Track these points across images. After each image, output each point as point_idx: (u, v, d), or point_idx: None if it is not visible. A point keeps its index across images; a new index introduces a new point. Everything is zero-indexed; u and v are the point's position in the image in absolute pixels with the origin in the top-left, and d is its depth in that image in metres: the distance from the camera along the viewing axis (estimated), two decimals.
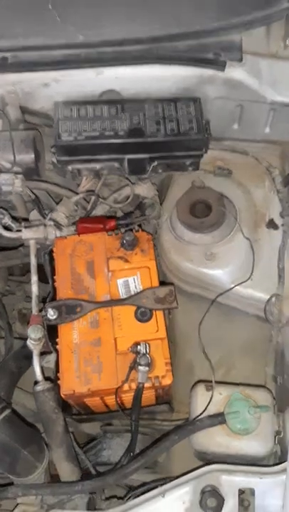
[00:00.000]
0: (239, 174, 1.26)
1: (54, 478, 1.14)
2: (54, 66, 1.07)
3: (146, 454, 1.00)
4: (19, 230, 1.19)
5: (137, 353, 1.00)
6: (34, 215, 1.24)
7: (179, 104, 1.10)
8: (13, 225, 1.18)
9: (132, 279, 1.11)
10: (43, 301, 1.18)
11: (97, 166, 1.12)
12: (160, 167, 1.14)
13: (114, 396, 1.02)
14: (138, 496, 1.00)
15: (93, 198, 1.23)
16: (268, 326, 1.17)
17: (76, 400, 1.07)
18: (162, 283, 1.13)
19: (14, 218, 1.21)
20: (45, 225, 1.19)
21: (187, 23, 1.09)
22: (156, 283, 1.10)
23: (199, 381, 1.13)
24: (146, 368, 0.98)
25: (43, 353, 1.11)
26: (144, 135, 1.07)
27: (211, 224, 1.17)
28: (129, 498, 1.05)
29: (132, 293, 1.08)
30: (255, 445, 1.03)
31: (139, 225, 1.22)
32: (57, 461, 1.09)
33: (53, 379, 1.10)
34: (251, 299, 1.15)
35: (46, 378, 1.09)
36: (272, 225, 1.20)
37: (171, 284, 1.13)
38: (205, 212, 1.19)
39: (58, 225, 1.18)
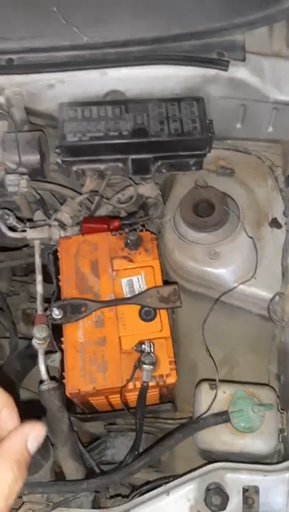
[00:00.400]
0: (242, 173, 1.27)
1: (58, 476, 1.15)
2: (59, 67, 1.08)
3: (152, 452, 1.01)
4: (24, 231, 1.20)
5: (142, 351, 1.00)
6: (38, 215, 1.25)
7: (183, 104, 1.11)
8: (18, 226, 1.19)
9: (136, 278, 1.11)
10: (46, 300, 1.19)
11: (102, 166, 1.13)
12: (164, 167, 1.15)
13: (118, 395, 1.03)
14: (143, 494, 1.01)
15: (97, 198, 1.23)
16: (271, 325, 1.18)
17: (81, 399, 1.08)
18: (165, 282, 1.14)
19: (19, 219, 1.22)
20: (49, 225, 1.20)
21: (190, 24, 1.09)
22: (160, 282, 1.11)
23: (203, 380, 1.14)
24: (151, 367, 0.99)
25: (47, 352, 1.11)
26: (148, 135, 1.08)
27: (215, 223, 1.17)
28: (134, 496, 1.05)
29: (136, 292, 1.09)
30: (259, 443, 1.04)
31: (143, 225, 1.22)
32: (62, 460, 1.10)
33: (57, 378, 1.11)
34: (255, 298, 1.15)
35: (51, 377, 1.10)
36: (275, 223, 1.20)
37: (175, 283, 1.13)
38: (208, 212, 1.19)
39: (62, 225, 1.19)
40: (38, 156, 1.12)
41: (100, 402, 1.12)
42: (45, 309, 1.12)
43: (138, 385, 1.01)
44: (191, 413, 1.31)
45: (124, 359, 1.03)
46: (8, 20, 1.12)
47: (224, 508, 0.92)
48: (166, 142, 1.09)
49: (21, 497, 1.04)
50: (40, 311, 1.13)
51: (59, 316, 1.06)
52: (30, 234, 1.20)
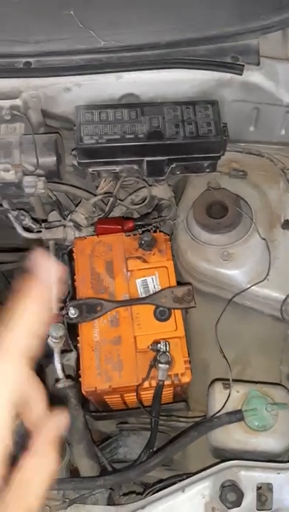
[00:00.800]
0: (254, 175, 1.28)
1: (72, 474, 1.17)
2: (76, 71, 1.09)
3: (167, 450, 1.03)
4: (39, 231, 1.21)
5: (157, 351, 1.02)
6: (53, 216, 1.27)
7: (198, 107, 1.12)
8: (33, 226, 1.21)
9: (151, 278, 1.13)
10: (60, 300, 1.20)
11: (117, 168, 1.15)
12: (178, 169, 1.16)
13: (133, 393, 1.05)
14: (157, 491, 1.03)
15: (111, 199, 1.25)
16: (283, 326, 1.19)
17: (96, 397, 1.09)
18: (178, 283, 1.16)
19: (34, 219, 1.24)
20: (64, 226, 1.22)
21: (205, 28, 1.11)
22: (174, 282, 1.12)
23: (216, 379, 1.15)
24: (167, 366, 1.00)
25: (63, 351, 1.13)
26: (164, 138, 1.09)
27: (228, 225, 1.19)
28: (148, 493, 1.07)
29: (151, 292, 1.11)
30: (272, 442, 1.05)
31: (157, 227, 1.24)
32: (77, 458, 1.12)
33: (73, 377, 1.13)
34: (267, 299, 1.16)
35: (67, 376, 1.11)
36: (287, 225, 1.21)
37: (189, 283, 1.15)
38: (221, 213, 1.21)
39: (77, 226, 1.21)
40: (55, 158, 1.14)
41: (115, 401, 1.14)
42: (61, 308, 1.14)
43: (153, 383, 1.03)
44: (202, 412, 1.32)
45: (139, 358, 1.05)
46: (25, 23, 1.14)
47: (239, 505, 0.94)
48: (182, 145, 1.10)
49: None
50: (55, 310, 1.15)
51: (75, 315, 1.08)
52: (46, 234, 1.22)
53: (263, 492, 0.99)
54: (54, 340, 1.10)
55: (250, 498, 0.96)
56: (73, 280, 1.15)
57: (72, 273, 1.17)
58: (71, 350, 1.15)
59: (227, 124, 1.15)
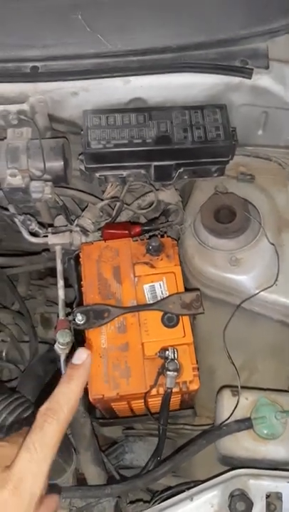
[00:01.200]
0: (262, 179, 1.27)
1: (79, 482, 1.16)
2: (83, 75, 1.08)
3: (175, 458, 1.01)
4: (45, 236, 1.21)
5: (166, 358, 1.01)
6: (60, 221, 1.26)
7: (206, 112, 1.11)
8: (40, 231, 1.20)
9: (158, 284, 1.12)
10: (66, 305, 1.19)
11: (124, 172, 1.14)
12: (186, 173, 1.15)
13: (140, 401, 1.03)
14: (165, 499, 1.02)
15: (118, 204, 1.24)
16: None
17: (104, 404, 1.08)
18: (185, 289, 1.14)
19: (40, 224, 1.23)
20: (71, 231, 1.21)
21: (214, 32, 1.10)
22: (181, 288, 1.11)
23: (224, 386, 1.14)
24: (175, 373, 0.99)
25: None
26: (172, 142, 1.09)
27: (236, 229, 1.17)
28: (156, 501, 1.06)
29: (159, 298, 1.09)
30: (281, 450, 1.04)
31: (164, 231, 1.23)
32: (84, 465, 1.11)
33: None
34: (276, 304, 1.15)
35: None
36: None
37: (197, 289, 1.14)
38: (229, 218, 1.20)
39: (84, 231, 1.20)
40: (62, 163, 1.13)
41: (122, 408, 1.12)
42: (68, 314, 1.13)
43: (161, 391, 1.02)
44: (208, 419, 1.31)
45: (147, 365, 1.03)
46: (32, 28, 1.13)
47: None
48: (190, 149, 1.09)
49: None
50: (62, 316, 1.14)
51: (82, 322, 1.07)
52: (52, 239, 1.21)
53: (272, 501, 0.98)
54: (61, 346, 1.09)
55: (259, 508, 0.95)
56: (80, 286, 1.15)
57: (79, 278, 1.16)
58: None
59: (236, 128, 1.14)
